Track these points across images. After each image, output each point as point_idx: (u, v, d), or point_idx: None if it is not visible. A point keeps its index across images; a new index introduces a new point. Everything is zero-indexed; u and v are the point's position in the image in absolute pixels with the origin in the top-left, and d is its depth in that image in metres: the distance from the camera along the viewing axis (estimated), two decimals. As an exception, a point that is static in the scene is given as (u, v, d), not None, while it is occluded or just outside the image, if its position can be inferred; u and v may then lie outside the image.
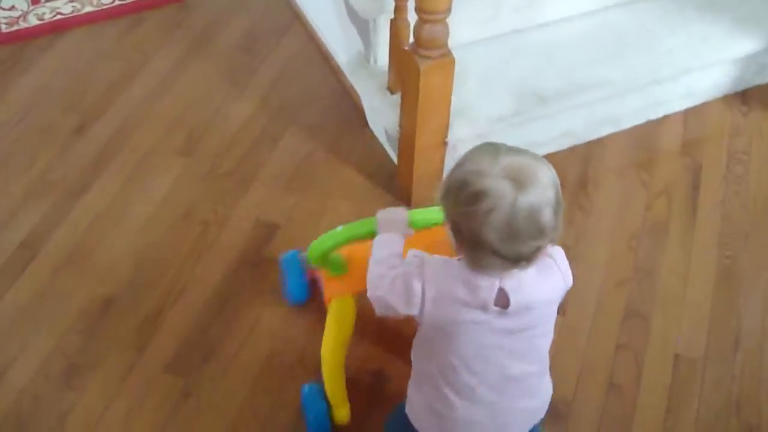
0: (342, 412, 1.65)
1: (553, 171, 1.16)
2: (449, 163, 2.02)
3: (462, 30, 1.93)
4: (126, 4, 2.75)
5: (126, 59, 2.55)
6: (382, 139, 2.26)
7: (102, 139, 2.30)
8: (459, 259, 1.22)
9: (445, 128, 1.98)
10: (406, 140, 2.02)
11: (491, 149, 1.16)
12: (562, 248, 1.31)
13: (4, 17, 2.68)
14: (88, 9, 2.72)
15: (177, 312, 1.88)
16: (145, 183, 2.18)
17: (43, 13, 2.70)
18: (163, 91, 2.45)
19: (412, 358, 1.39)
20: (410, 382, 1.40)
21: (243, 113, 2.38)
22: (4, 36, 2.62)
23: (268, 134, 2.32)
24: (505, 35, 2.26)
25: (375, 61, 2.17)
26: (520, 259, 1.15)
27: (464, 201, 1.12)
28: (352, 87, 2.35)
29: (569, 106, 2.17)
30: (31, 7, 2.72)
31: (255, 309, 1.89)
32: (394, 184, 2.17)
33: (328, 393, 1.64)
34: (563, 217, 1.16)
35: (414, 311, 1.25)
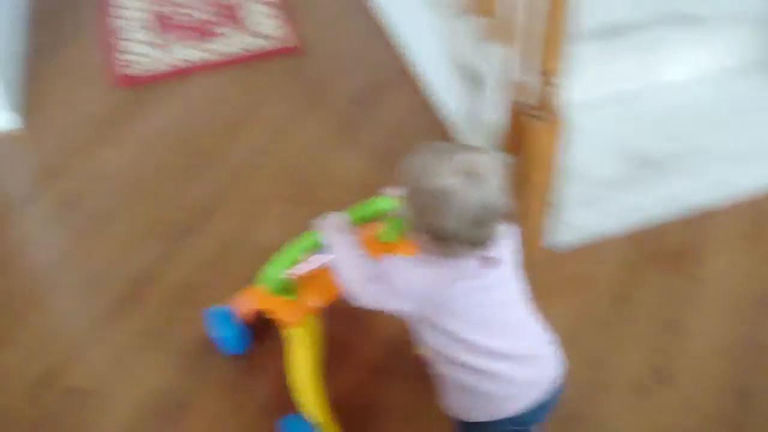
0: None
1: (496, 158, 1.30)
2: (552, 227, 2.01)
3: (575, 91, 1.93)
4: (249, 53, 2.86)
5: (244, 106, 2.64)
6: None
7: (215, 183, 2.38)
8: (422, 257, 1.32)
9: (552, 188, 1.97)
10: (511, 197, 2.01)
11: (443, 149, 1.28)
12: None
13: (136, 62, 2.82)
14: (213, 57, 2.84)
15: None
16: (254, 228, 2.24)
17: (172, 60, 2.83)
18: (277, 138, 2.52)
19: (431, 371, 1.44)
20: (446, 391, 1.43)
21: (352, 164, 2.43)
22: (133, 79, 2.75)
23: (376, 185, 2.34)
24: (617, 97, 2.24)
25: (485, 118, 2.18)
26: (486, 241, 1.28)
27: (429, 200, 1.23)
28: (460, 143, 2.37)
29: (681, 171, 2.12)
30: (161, 54, 2.86)
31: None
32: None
33: (315, 418, 1.64)
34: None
35: (405, 306, 1.34)
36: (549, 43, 1.73)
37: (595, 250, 2.11)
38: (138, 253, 2.18)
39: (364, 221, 1.59)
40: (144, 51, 2.88)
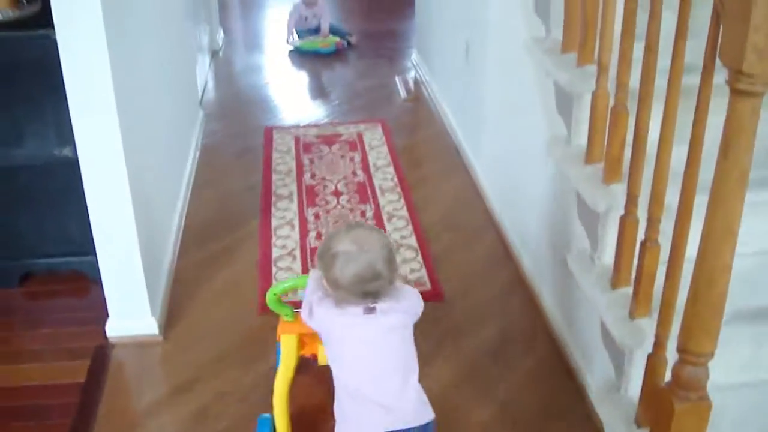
0: None
1: (387, 238, 1.80)
2: None
3: (720, 372, 1.83)
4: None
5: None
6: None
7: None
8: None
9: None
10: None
11: (345, 228, 1.80)
12: None
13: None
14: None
15: None
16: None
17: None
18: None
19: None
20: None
21: (481, 417, 2.35)
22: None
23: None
24: (764, 381, 2.11)
25: (625, 391, 2.09)
26: (367, 297, 1.73)
27: (328, 261, 1.73)
28: (595, 411, 2.27)
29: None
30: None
31: None
32: None
33: (276, 420, 2.14)
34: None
35: (311, 323, 1.84)
36: (697, 320, 1.68)
37: None
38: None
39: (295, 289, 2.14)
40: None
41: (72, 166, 2.48)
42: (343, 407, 1.80)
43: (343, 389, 1.79)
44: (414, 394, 1.80)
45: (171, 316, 2.78)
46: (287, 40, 6.02)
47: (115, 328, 2.66)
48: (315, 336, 1.99)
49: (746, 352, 2.06)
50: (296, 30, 6.06)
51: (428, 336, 2.68)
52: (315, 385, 2.25)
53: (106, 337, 2.66)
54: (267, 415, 2.21)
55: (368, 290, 1.71)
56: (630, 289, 2.06)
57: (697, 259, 1.66)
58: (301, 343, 2.17)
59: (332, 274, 1.72)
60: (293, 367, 2.15)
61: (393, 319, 1.77)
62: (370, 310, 1.74)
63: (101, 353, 2.61)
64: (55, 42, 2.25)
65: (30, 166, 2.75)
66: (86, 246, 2.59)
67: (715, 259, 1.63)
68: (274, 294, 2.10)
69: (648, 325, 1.98)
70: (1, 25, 2.68)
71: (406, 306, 1.81)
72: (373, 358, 1.77)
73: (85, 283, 2.91)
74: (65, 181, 2.68)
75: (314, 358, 2.19)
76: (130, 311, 2.64)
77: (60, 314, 2.83)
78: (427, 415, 1.81)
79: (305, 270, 3.03)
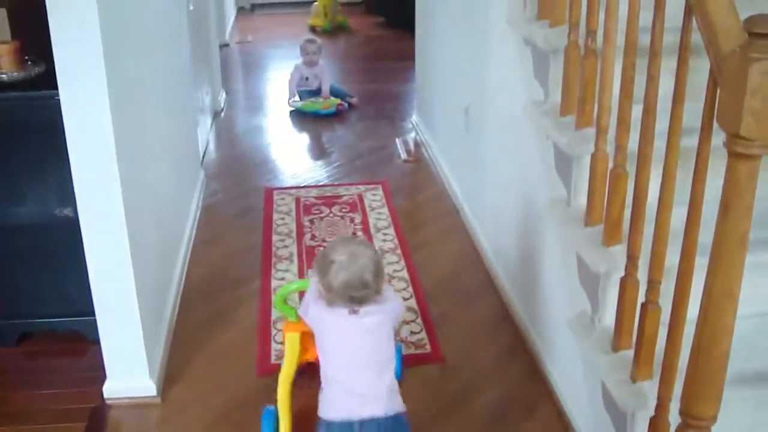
0: (284, 427, 2.39)
1: (376, 253, 2.10)
2: None
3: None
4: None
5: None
6: None
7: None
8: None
9: None
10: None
11: (343, 240, 2.29)
12: None
13: (276, 350, 2.90)
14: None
15: None
16: None
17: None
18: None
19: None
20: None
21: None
22: (273, 367, 2.79)
23: None
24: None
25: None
26: (353, 301, 2.01)
27: (325, 267, 2.01)
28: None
29: None
30: (303, 345, 2.93)
31: None
32: None
33: (279, 412, 2.40)
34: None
35: (306, 319, 2.16)
36: (699, 384, 1.66)
37: None
38: None
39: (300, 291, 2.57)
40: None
41: (72, 227, 2.49)
42: (325, 393, 2.10)
43: (327, 378, 2.09)
44: (386, 388, 2.07)
45: (169, 377, 2.76)
46: (288, 101, 6.09)
47: (112, 390, 2.64)
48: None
49: (749, 416, 2.04)
50: (297, 91, 6.13)
51: (432, 400, 2.65)
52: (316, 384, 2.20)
53: (103, 398, 2.64)
54: (272, 406, 2.43)
55: (355, 296, 2.00)
56: (631, 352, 2.05)
57: (697, 321, 1.65)
58: (305, 346, 2.42)
59: (326, 278, 2.00)
60: (296, 363, 2.43)
61: (374, 320, 2.05)
62: (354, 312, 2.03)
63: (98, 415, 2.58)
64: (58, 102, 2.27)
65: (30, 225, 2.76)
66: (85, 306, 2.58)
67: (715, 322, 1.62)
68: (282, 296, 2.44)
69: (650, 388, 1.96)
70: (6, 85, 2.71)
71: (388, 309, 2.09)
72: (352, 352, 2.06)
73: (83, 344, 2.89)
74: (65, 241, 2.69)
75: (317, 361, 2.28)
76: (129, 372, 2.62)
77: (58, 375, 2.81)
78: (398, 407, 2.08)
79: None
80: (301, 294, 2.60)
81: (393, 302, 2.12)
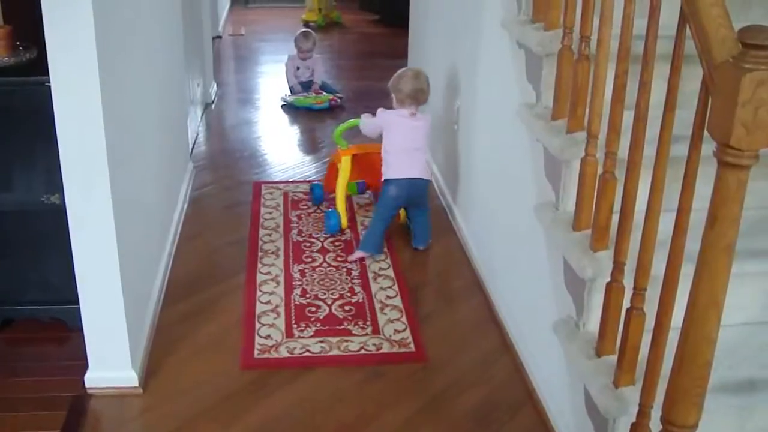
0: (343, 220, 3.80)
1: (426, 76, 3.66)
2: None
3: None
4: (371, 354, 2.88)
5: (360, 407, 2.61)
6: None
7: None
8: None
9: None
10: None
11: (409, 69, 3.77)
12: None
13: (259, 344, 2.90)
14: (334, 352, 2.88)
15: None
16: None
17: (294, 348, 2.89)
18: (389, 445, 2.46)
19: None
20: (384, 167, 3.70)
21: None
22: (256, 361, 2.80)
23: None
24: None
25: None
26: (418, 102, 3.59)
27: (400, 80, 3.60)
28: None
29: None
30: (285, 340, 2.93)
31: None
32: None
33: (338, 209, 3.81)
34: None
35: (380, 126, 3.69)
36: (681, 391, 1.67)
37: None
38: None
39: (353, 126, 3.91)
40: (274, 337, 2.95)
41: (59, 214, 2.47)
42: (389, 164, 3.60)
43: (388, 155, 3.60)
44: (424, 163, 3.65)
45: (152, 368, 2.75)
46: (286, 95, 6.06)
47: (94, 379, 2.62)
48: (364, 162, 3.90)
49: (732, 424, 2.05)
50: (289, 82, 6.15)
51: (412, 399, 2.65)
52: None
53: (84, 388, 2.62)
54: (332, 209, 3.84)
55: (419, 97, 3.59)
56: (615, 357, 2.05)
57: (682, 329, 1.66)
58: (355, 168, 3.87)
59: (400, 86, 3.58)
60: (348, 176, 3.84)
61: (420, 123, 3.62)
62: (413, 114, 3.59)
63: (78, 404, 2.57)
64: (49, 89, 2.26)
65: (17, 212, 2.74)
66: (69, 294, 2.57)
67: (700, 330, 1.62)
68: (341, 130, 3.91)
69: (632, 394, 1.96)
70: (-3, 70, 2.70)
71: (427, 118, 3.69)
72: (408, 138, 3.59)
73: (66, 332, 2.88)
74: (51, 228, 2.67)
75: (367, 186, 4.08)
76: (111, 362, 2.61)
77: (39, 362, 2.79)
78: (428, 176, 3.69)
79: (289, 331, 3.01)
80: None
81: (428, 116, 3.71)
